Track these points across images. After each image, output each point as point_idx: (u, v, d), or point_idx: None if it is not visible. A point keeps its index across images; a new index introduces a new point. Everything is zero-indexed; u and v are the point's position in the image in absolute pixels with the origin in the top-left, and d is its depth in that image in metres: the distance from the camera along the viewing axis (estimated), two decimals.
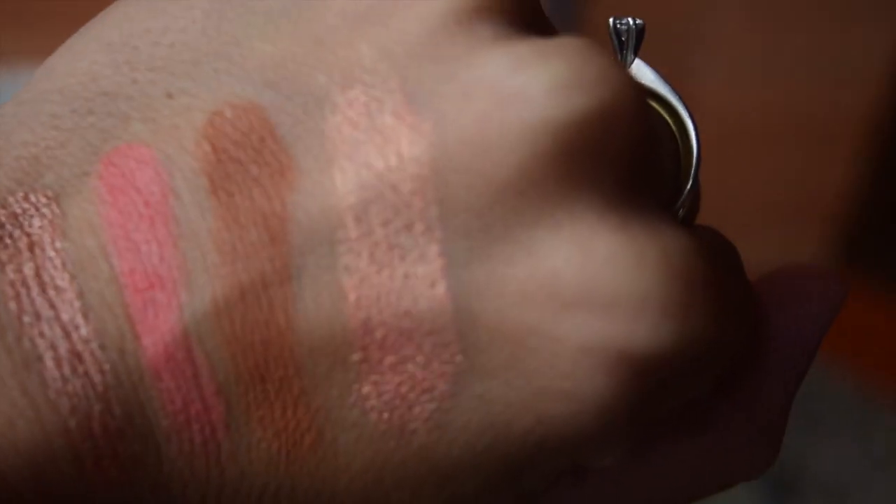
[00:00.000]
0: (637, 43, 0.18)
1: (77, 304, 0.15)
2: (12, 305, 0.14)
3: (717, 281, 0.15)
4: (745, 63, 1.18)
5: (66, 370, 0.14)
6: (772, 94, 1.20)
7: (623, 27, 0.18)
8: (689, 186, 0.17)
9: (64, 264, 0.15)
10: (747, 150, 1.20)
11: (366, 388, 0.15)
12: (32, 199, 0.15)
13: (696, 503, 0.19)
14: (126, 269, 0.15)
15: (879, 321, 1.20)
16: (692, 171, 0.17)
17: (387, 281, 0.15)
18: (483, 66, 0.15)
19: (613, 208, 0.15)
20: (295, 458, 0.16)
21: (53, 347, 0.14)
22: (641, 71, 0.18)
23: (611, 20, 0.18)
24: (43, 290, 0.15)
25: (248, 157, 0.15)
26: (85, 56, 0.16)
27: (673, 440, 0.18)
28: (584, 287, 0.14)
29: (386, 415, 0.15)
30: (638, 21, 0.18)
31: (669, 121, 0.18)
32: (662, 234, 0.15)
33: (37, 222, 0.15)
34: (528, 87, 0.14)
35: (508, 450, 0.16)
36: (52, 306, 0.14)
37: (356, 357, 0.15)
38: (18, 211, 0.15)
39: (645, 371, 0.15)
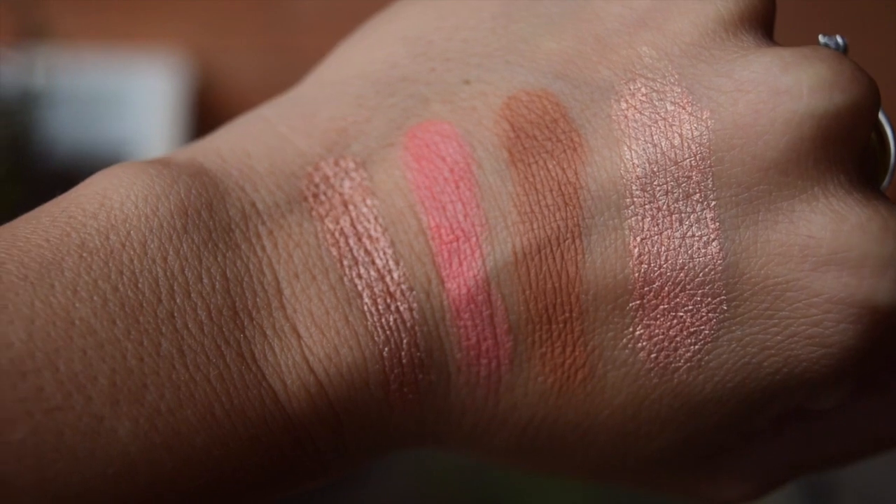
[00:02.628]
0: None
1: (389, 251, 0.18)
2: (334, 251, 0.17)
3: None
4: None
5: (381, 306, 0.17)
6: None
7: (831, 44, 0.21)
8: (888, 178, 0.20)
9: (377, 218, 0.18)
10: None
11: (639, 331, 0.18)
12: (342, 164, 0.18)
13: None
14: (433, 224, 0.18)
15: None
16: (892, 164, 0.20)
17: (666, 240, 0.18)
18: (756, 66, 0.18)
19: (855, 186, 0.18)
20: (565, 391, 0.18)
21: (370, 287, 0.18)
22: None
23: (820, 37, 0.21)
24: (359, 239, 0.18)
25: (543, 135, 0.18)
26: (382, 47, 0.20)
27: (854, 404, 0.22)
28: (837, 249, 0.18)
29: (654, 355, 0.19)
30: (842, 39, 0.21)
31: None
32: (894, 210, 0.18)
33: (347, 184, 0.18)
34: (796, 85, 0.18)
35: (754, 388, 0.19)
36: (368, 253, 0.18)
37: (634, 304, 0.18)
38: (330, 174, 0.18)
39: (882, 321, 0.18)
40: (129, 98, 0.75)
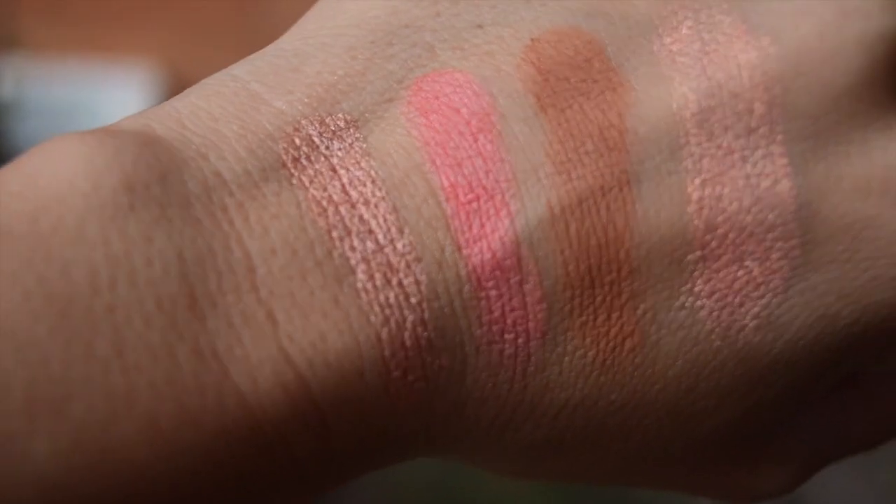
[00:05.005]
0: None
1: (391, 218, 0.15)
2: (321, 222, 0.15)
3: None
4: None
5: (379, 281, 0.15)
6: None
7: None
8: None
9: (374, 182, 0.15)
10: None
11: (699, 286, 0.16)
12: (330, 122, 0.16)
13: None
14: (447, 184, 0.15)
15: None
16: None
17: (729, 181, 0.16)
18: None
19: None
20: (610, 365, 0.16)
21: (366, 260, 0.15)
22: None
23: None
24: (352, 206, 0.15)
25: (576, 77, 0.16)
26: None
27: (888, 378, 0.20)
28: None
29: (716, 313, 0.16)
30: None
31: None
32: None
33: (336, 144, 0.16)
34: (864, 3, 0.16)
35: (828, 344, 0.17)
36: (363, 221, 0.15)
37: (694, 256, 0.16)
38: (314, 134, 0.16)
39: None
40: (99, 110, 0.74)
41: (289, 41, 0.17)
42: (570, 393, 0.16)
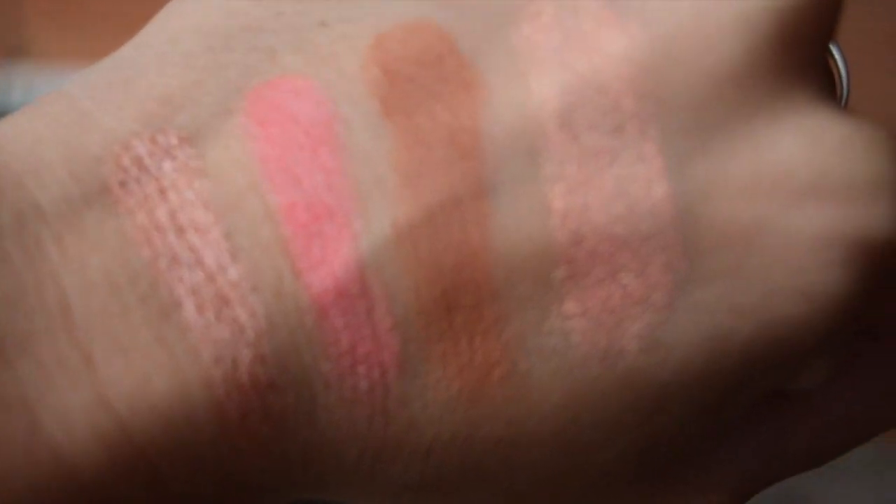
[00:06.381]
0: None
1: (224, 244, 0.14)
2: (146, 251, 0.14)
3: None
4: None
5: (211, 316, 0.14)
6: None
7: None
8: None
9: (206, 205, 0.14)
10: None
11: (569, 307, 0.14)
12: (161, 140, 0.14)
13: None
14: (285, 204, 0.14)
15: None
16: (844, 93, 0.17)
17: (597, 187, 0.14)
18: None
19: (825, 97, 0.15)
20: (478, 397, 0.15)
21: (195, 292, 0.14)
22: None
23: None
24: (181, 232, 0.14)
25: (426, 76, 0.15)
26: None
27: (827, 389, 0.18)
28: (815, 175, 0.14)
29: (590, 335, 0.15)
30: None
31: None
32: (872, 122, 0.15)
33: (168, 164, 0.14)
34: None
35: (725, 366, 0.15)
36: (193, 249, 0.14)
37: (561, 273, 0.14)
38: (144, 153, 0.14)
39: (879, 260, 0.14)
40: None
41: (127, 49, 0.16)
42: (438, 428, 0.15)
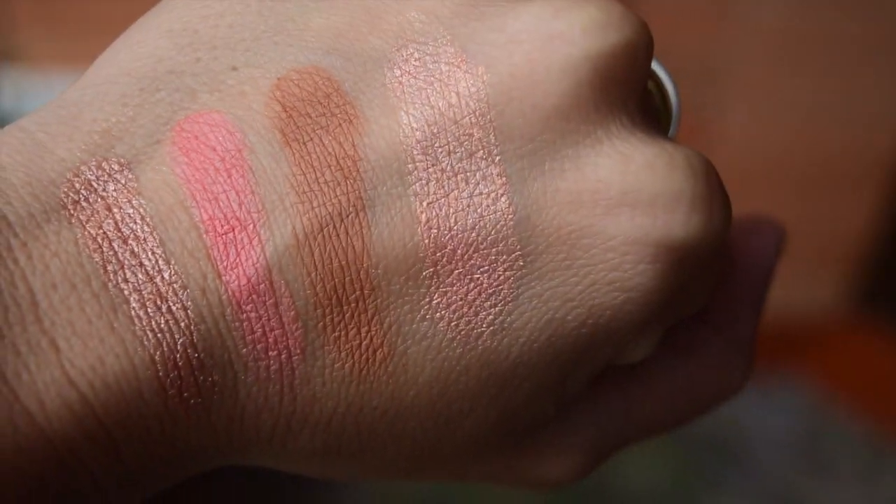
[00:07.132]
0: None
1: (159, 251, 0.17)
2: (96, 257, 0.16)
3: (719, 182, 0.18)
4: (767, 105, 1.18)
5: (151, 309, 0.16)
6: (793, 137, 1.20)
7: None
8: (673, 127, 0.20)
9: (143, 219, 0.17)
10: (766, 190, 1.20)
11: (436, 300, 0.18)
12: (105, 166, 0.17)
13: None
14: (206, 217, 0.17)
15: (893, 365, 1.19)
16: (674, 113, 0.20)
17: (454, 201, 0.17)
18: (526, 16, 0.18)
19: (638, 126, 0.18)
20: (366, 375, 0.18)
21: (138, 290, 0.16)
22: None
23: None
24: (124, 241, 0.16)
25: (316, 112, 0.17)
26: (147, 43, 0.19)
27: (669, 366, 0.22)
28: (626, 190, 0.17)
29: (454, 322, 0.18)
30: None
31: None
32: (678, 145, 0.18)
33: (111, 186, 0.17)
34: (568, 28, 0.17)
35: (562, 346, 0.18)
36: (135, 255, 0.16)
37: (427, 272, 0.18)
38: (92, 177, 0.17)
39: (681, 258, 0.18)
40: None
41: (72, 91, 0.18)
42: (336, 402, 0.18)
